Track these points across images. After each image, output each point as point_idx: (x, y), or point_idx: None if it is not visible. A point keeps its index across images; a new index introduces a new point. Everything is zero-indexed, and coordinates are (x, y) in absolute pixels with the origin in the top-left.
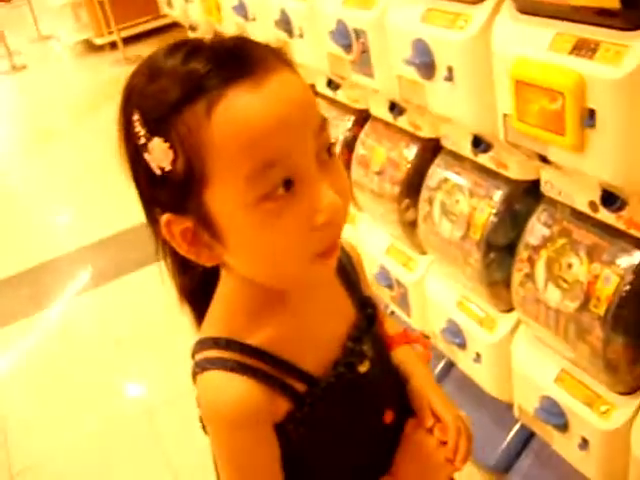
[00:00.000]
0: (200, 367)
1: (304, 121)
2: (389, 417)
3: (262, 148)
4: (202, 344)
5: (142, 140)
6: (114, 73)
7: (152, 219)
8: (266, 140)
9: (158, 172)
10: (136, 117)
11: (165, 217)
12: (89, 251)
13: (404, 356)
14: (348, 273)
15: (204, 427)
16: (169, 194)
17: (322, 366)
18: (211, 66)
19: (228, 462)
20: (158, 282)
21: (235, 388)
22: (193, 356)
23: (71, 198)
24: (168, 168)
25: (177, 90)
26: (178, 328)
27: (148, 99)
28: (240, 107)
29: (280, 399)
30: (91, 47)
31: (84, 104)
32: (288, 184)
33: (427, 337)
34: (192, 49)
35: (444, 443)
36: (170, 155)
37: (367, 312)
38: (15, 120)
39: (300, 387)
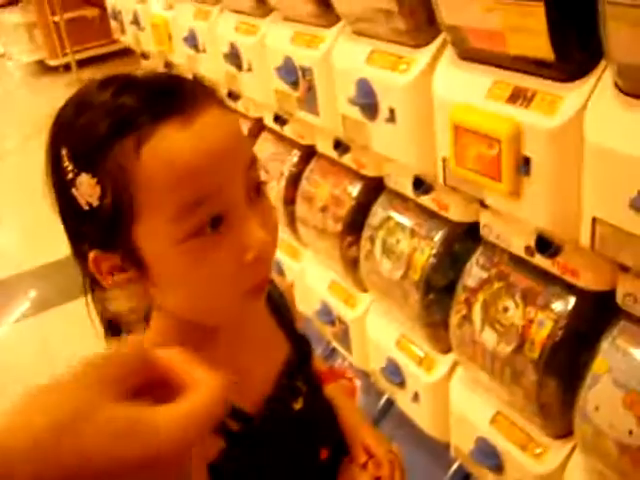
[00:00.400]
0: None
1: (233, 159)
2: (324, 454)
3: (190, 186)
4: None
5: (70, 175)
6: (67, 95)
7: (79, 254)
8: (194, 178)
9: (86, 208)
10: (64, 152)
11: (92, 254)
12: (31, 276)
13: (333, 393)
14: (282, 310)
15: None
16: (96, 230)
17: (256, 403)
18: (142, 102)
19: None
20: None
21: None
22: None
23: (14, 221)
24: (96, 204)
25: (106, 124)
26: None
27: (77, 133)
28: (169, 145)
29: (212, 438)
30: (45, 68)
31: (34, 125)
32: (216, 222)
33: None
34: (123, 84)
35: (378, 478)
36: (98, 191)
37: (301, 349)
38: None
39: (233, 425)
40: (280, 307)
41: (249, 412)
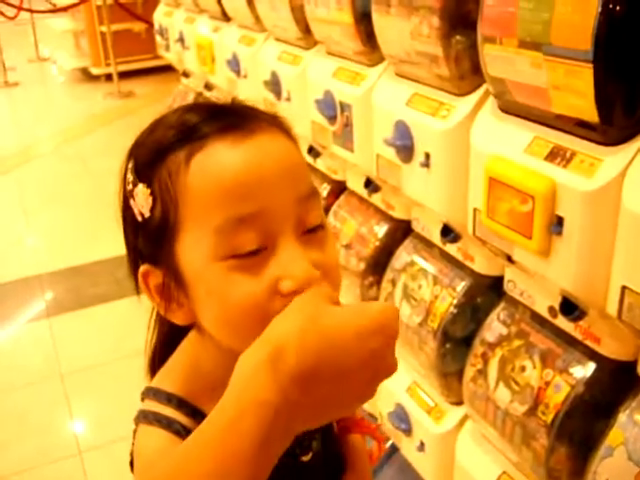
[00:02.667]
0: (146, 419)
1: (285, 184)
2: None
3: (234, 203)
4: (155, 394)
5: (130, 187)
6: (105, 104)
7: (135, 269)
8: (239, 195)
9: (139, 219)
10: (130, 165)
11: (143, 268)
12: (50, 279)
13: (353, 446)
14: None
15: (132, 463)
16: (146, 243)
17: None
18: (202, 118)
19: None
20: (113, 320)
21: None
22: (142, 399)
23: (38, 223)
24: (147, 215)
25: (166, 138)
26: (124, 372)
27: (142, 148)
28: (218, 158)
29: None
30: (87, 76)
31: (70, 130)
32: (257, 250)
33: (375, 418)
34: (193, 106)
35: None
36: (150, 201)
37: None
38: None
39: None
40: None
41: None
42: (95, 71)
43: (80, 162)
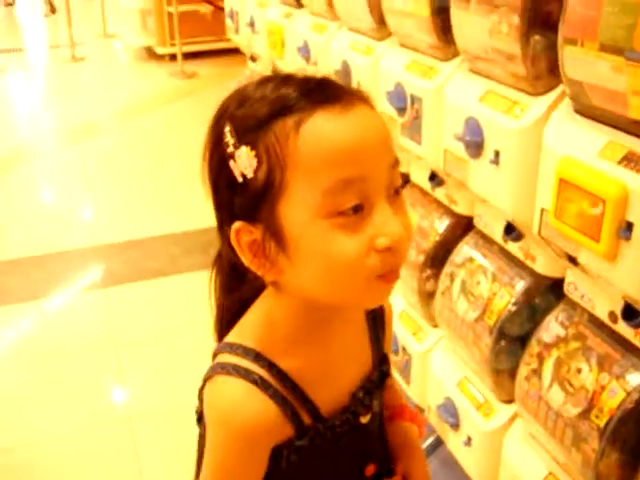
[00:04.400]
0: (224, 369)
1: (381, 153)
2: (370, 470)
3: (342, 167)
4: (231, 348)
5: (230, 149)
6: (168, 84)
7: (223, 229)
8: (347, 160)
9: (240, 179)
10: (227, 129)
11: (236, 225)
12: (108, 250)
13: (408, 433)
14: (377, 326)
15: (199, 420)
16: (245, 202)
17: (330, 405)
18: (300, 92)
19: (216, 466)
20: (169, 295)
21: (254, 405)
22: (216, 355)
23: (102, 195)
24: (250, 175)
25: (268, 108)
26: (177, 345)
27: (240, 115)
28: (327, 126)
29: (287, 425)
30: (151, 54)
31: (133, 107)
32: (358, 207)
33: (422, 410)
34: (282, 79)
35: None
36: (254, 163)
37: (382, 369)
38: (63, 108)
39: (306, 419)
40: (377, 320)
41: (322, 413)
42: (160, 50)
43: (142, 139)
